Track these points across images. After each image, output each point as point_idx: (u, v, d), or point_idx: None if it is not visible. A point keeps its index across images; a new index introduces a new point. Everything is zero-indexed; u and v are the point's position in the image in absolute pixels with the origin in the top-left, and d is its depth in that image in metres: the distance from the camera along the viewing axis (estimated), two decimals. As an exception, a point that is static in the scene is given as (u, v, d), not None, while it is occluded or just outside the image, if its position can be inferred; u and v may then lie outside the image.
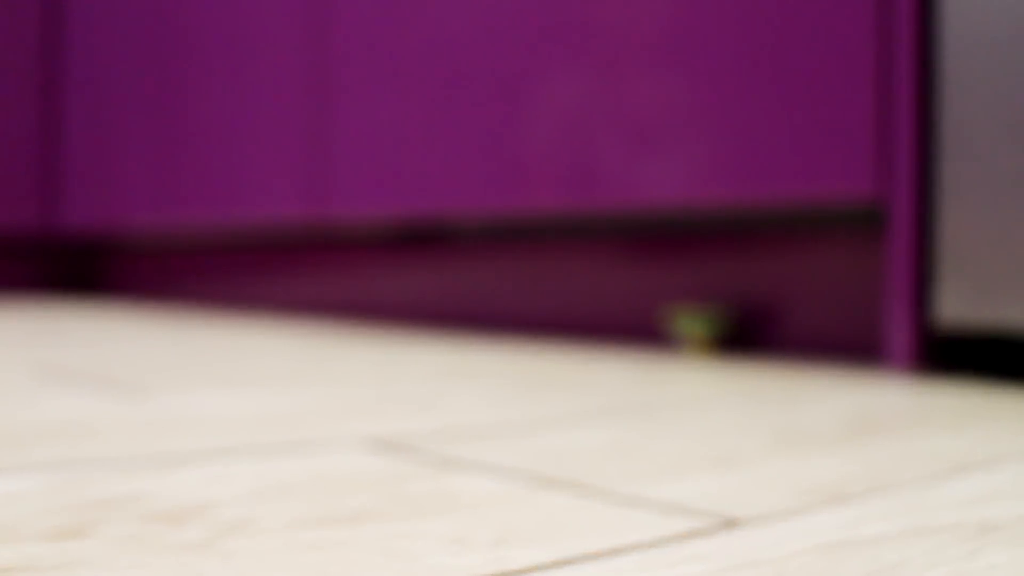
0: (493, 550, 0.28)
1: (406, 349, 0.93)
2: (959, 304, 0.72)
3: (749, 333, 0.97)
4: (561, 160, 0.99)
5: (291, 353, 0.87)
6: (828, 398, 0.63)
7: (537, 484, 0.37)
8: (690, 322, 0.92)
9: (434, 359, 0.84)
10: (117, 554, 0.27)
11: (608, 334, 1.08)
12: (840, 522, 0.32)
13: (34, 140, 1.86)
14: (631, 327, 1.06)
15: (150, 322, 1.27)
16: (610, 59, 0.95)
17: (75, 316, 1.37)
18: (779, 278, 0.95)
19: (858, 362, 0.88)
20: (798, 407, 0.59)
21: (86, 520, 0.30)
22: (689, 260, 1.01)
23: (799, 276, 0.94)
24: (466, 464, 0.40)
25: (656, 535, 0.30)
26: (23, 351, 0.84)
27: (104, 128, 1.69)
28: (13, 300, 1.84)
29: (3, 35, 1.82)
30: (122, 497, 0.33)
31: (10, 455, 0.40)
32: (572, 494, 0.35)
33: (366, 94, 1.20)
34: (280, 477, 0.37)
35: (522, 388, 0.65)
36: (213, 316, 1.43)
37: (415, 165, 1.14)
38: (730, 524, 0.32)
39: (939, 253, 0.73)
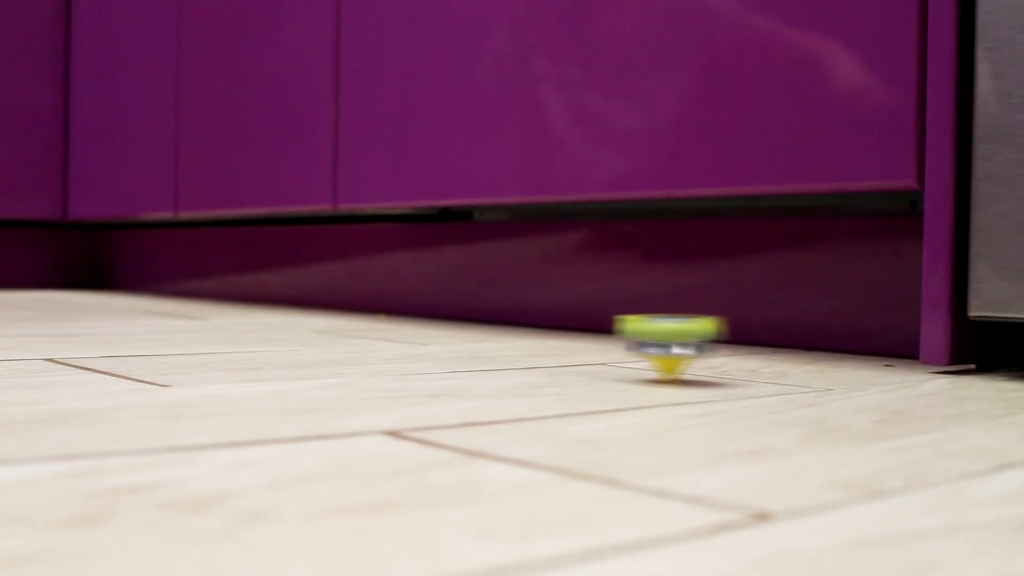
0: (519, 541, 0.27)
1: (426, 337, 0.93)
2: (997, 296, 0.71)
3: (773, 325, 0.96)
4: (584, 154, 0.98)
5: (309, 341, 0.86)
6: (862, 391, 0.62)
7: (563, 475, 0.36)
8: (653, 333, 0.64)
9: (455, 347, 0.83)
10: (134, 543, 0.26)
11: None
12: (875, 517, 0.31)
13: (52, 131, 1.86)
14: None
15: (166, 312, 1.27)
16: (629, 58, 0.94)
17: (91, 306, 1.37)
18: (812, 270, 0.94)
19: (893, 356, 0.87)
20: (831, 400, 0.58)
21: (102, 509, 0.30)
22: (716, 248, 1.00)
23: (832, 268, 0.93)
24: (490, 454, 0.39)
25: (686, 527, 0.29)
26: (39, 340, 0.84)
27: (119, 120, 1.69)
28: (29, 290, 1.85)
29: (25, 29, 1.83)
30: (139, 486, 0.33)
31: (25, 443, 0.39)
32: (599, 485, 0.34)
33: (376, 91, 1.19)
34: (300, 467, 0.36)
35: (547, 377, 0.64)
36: (229, 305, 1.43)
37: (427, 158, 1.13)
38: (762, 518, 0.31)
39: (978, 246, 0.72)
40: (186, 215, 1.55)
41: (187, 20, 1.54)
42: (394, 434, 0.44)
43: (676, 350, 0.64)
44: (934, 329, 0.74)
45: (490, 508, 0.31)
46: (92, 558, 0.25)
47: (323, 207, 1.28)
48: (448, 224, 1.27)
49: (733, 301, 0.99)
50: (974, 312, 0.72)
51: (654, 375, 0.69)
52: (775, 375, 0.71)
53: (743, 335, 0.98)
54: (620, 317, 0.72)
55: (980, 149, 0.71)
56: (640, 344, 0.65)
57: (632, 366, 0.74)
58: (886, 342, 0.89)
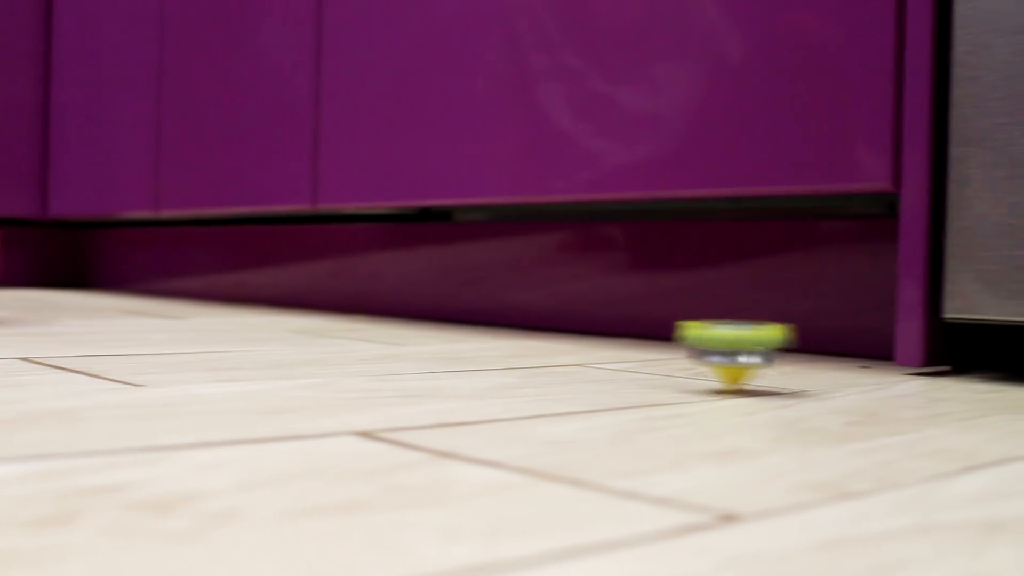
0: (486, 541, 0.28)
1: (405, 337, 0.93)
2: (972, 298, 0.72)
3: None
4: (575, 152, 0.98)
5: (287, 341, 0.86)
6: (837, 392, 0.62)
7: (534, 476, 0.36)
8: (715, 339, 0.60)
9: (433, 348, 0.83)
10: (102, 543, 0.26)
11: (614, 329, 1.07)
12: (843, 518, 0.31)
13: (32, 128, 1.85)
14: (632, 321, 1.05)
15: (145, 311, 1.26)
16: (623, 57, 0.94)
17: (70, 305, 1.37)
18: (790, 272, 0.94)
19: (869, 358, 0.88)
20: (805, 402, 0.58)
21: (71, 509, 0.30)
22: (695, 250, 1.01)
23: (810, 271, 0.93)
24: (462, 455, 0.40)
25: (653, 529, 0.29)
26: (15, 339, 0.83)
27: (99, 117, 1.69)
28: (8, 288, 1.84)
29: (5, 24, 1.82)
30: (109, 486, 0.33)
31: (-1, 442, 0.39)
32: (569, 486, 0.35)
33: (357, 90, 1.19)
34: (271, 467, 0.36)
35: (523, 378, 0.64)
36: (209, 305, 1.43)
37: (408, 158, 1.13)
38: (729, 519, 0.31)
39: (953, 248, 0.73)
40: (166, 214, 1.54)
41: (169, 18, 1.54)
42: (367, 435, 0.44)
43: (743, 359, 0.60)
44: (909, 331, 0.74)
45: (459, 509, 0.31)
46: (58, 559, 0.25)
47: (303, 206, 1.28)
48: (429, 224, 1.27)
49: (711, 303, 0.99)
50: (949, 314, 0.73)
51: (630, 376, 0.69)
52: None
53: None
54: (681, 323, 0.66)
55: (955, 152, 0.72)
56: (703, 352, 0.60)
57: (609, 367, 0.74)
58: (863, 344, 0.89)
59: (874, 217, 0.89)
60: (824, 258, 0.92)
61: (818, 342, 0.92)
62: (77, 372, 0.62)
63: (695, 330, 0.60)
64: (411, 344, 0.90)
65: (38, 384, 0.56)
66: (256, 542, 0.27)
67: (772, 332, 0.60)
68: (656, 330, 1.03)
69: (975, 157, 0.71)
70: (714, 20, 0.87)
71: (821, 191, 0.80)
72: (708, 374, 0.71)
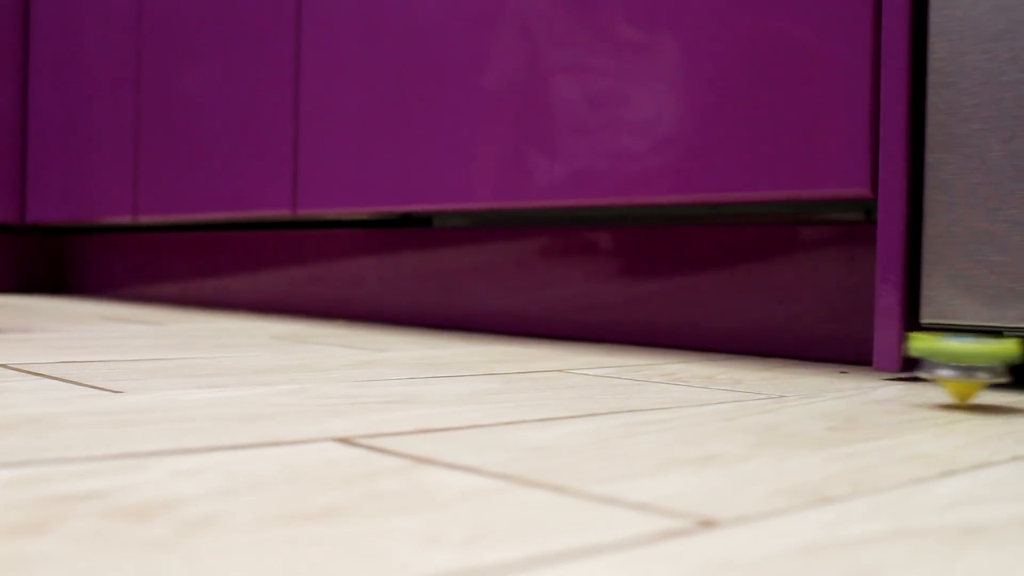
0: (465, 548, 0.28)
1: (386, 343, 0.93)
2: (949, 304, 0.72)
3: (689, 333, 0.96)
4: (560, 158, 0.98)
5: (267, 347, 0.86)
6: (815, 398, 0.63)
7: (513, 481, 0.36)
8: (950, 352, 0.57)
9: (414, 353, 0.83)
10: (78, 551, 0.26)
11: (599, 333, 1.08)
12: (820, 524, 0.32)
13: (9, 133, 1.84)
14: (624, 325, 1.05)
15: (124, 317, 1.26)
16: (604, 63, 0.95)
17: (48, 311, 1.36)
18: (769, 278, 0.95)
19: (848, 363, 0.88)
20: (784, 407, 0.58)
21: (47, 516, 0.30)
22: (675, 255, 1.01)
23: (789, 276, 0.93)
24: (441, 461, 0.40)
25: (632, 534, 0.30)
26: (-1, 346, 0.83)
27: (78, 122, 1.68)
28: (-6, 295, 1.83)
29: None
30: (86, 493, 0.33)
31: (-25, 449, 0.39)
32: (548, 492, 0.35)
33: (336, 94, 1.19)
34: (250, 474, 0.36)
35: (504, 384, 0.64)
36: (189, 311, 1.42)
37: (388, 163, 1.13)
38: (707, 524, 0.31)
39: (930, 254, 0.73)
40: (146, 219, 1.54)
41: (147, 23, 1.54)
42: (346, 441, 0.43)
43: (981, 374, 0.57)
44: (887, 336, 0.75)
45: (438, 515, 0.31)
46: (33, 566, 0.25)
47: (283, 212, 1.28)
48: (409, 230, 1.27)
49: (691, 307, 0.99)
50: (926, 320, 0.73)
51: (611, 381, 0.69)
52: (730, 382, 0.71)
53: (700, 342, 0.99)
54: (910, 334, 0.63)
55: (931, 158, 0.72)
56: (932, 365, 0.58)
57: (589, 373, 0.74)
58: (841, 349, 0.89)
59: (852, 223, 0.89)
60: (803, 264, 0.92)
61: (797, 347, 0.92)
62: (55, 378, 0.62)
63: (926, 342, 0.58)
64: (391, 350, 0.89)
65: (15, 391, 0.56)
66: (234, 550, 0.27)
67: (1008, 347, 0.57)
68: (636, 336, 1.03)
69: (952, 163, 0.71)
70: (694, 27, 0.87)
71: (800, 197, 0.81)
72: (692, 380, 0.72)
